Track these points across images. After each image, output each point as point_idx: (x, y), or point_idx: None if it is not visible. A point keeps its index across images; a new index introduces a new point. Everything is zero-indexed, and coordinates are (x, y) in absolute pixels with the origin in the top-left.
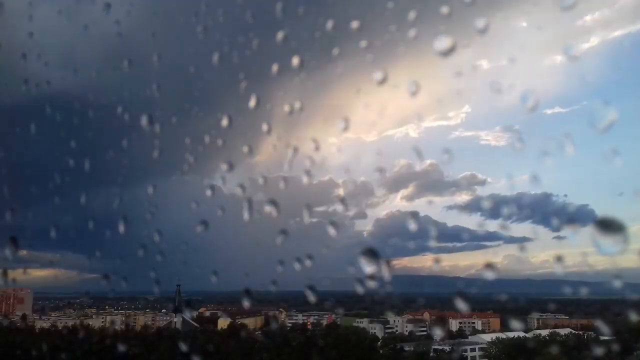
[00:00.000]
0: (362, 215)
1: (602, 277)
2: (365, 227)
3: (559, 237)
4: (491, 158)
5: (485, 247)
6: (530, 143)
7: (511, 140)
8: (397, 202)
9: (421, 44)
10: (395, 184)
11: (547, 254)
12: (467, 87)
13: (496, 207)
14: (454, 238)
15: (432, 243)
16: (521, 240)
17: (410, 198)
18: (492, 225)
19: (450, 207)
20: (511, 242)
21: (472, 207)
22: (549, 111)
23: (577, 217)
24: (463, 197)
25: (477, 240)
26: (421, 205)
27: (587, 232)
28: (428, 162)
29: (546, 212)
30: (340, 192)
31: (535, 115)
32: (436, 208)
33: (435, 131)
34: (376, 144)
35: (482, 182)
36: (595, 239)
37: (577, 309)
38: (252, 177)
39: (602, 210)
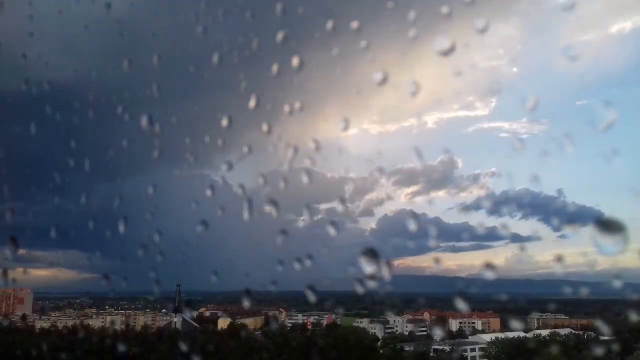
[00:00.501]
0: (369, 213)
1: (602, 277)
2: (369, 225)
3: (563, 236)
4: (507, 152)
5: (491, 246)
6: (546, 140)
7: (534, 132)
8: (404, 199)
9: (421, 44)
10: (404, 180)
11: (553, 253)
12: (498, 77)
13: (504, 206)
14: (460, 237)
15: (438, 242)
16: (528, 240)
17: (418, 195)
18: (499, 224)
19: (457, 205)
20: (518, 241)
21: (479, 205)
22: (578, 102)
23: (583, 216)
24: (471, 195)
25: (482, 239)
26: (428, 202)
27: (592, 231)
28: (439, 158)
29: (554, 211)
30: (349, 188)
31: (565, 106)
32: (443, 206)
33: (455, 122)
34: (391, 135)
35: (492, 179)
36: (595, 239)
37: (577, 309)
38: (252, 177)
39: (615, 210)
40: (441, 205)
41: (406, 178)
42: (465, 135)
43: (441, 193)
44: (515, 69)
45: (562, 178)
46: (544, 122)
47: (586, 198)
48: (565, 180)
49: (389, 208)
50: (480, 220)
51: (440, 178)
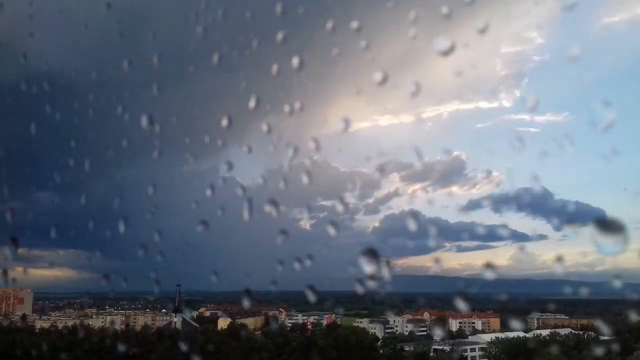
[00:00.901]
0: (375, 210)
1: (602, 277)
2: (373, 223)
3: (566, 236)
4: (520, 149)
5: (496, 246)
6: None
7: (556, 128)
8: (412, 196)
9: (421, 44)
10: (413, 176)
11: (558, 252)
12: (525, 65)
13: (512, 205)
14: (467, 237)
15: (443, 242)
16: (534, 239)
17: (426, 191)
18: (505, 223)
19: (466, 204)
20: (524, 240)
21: (487, 204)
22: (604, 94)
23: (590, 217)
24: (480, 193)
25: (488, 239)
26: (437, 199)
27: (592, 231)
28: (453, 154)
29: (563, 211)
30: (357, 184)
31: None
32: (452, 204)
33: (473, 114)
34: (405, 127)
35: (503, 177)
36: (595, 239)
37: (577, 309)
38: (252, 176)
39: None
40: (450, 203)
41: (415, 173)
42: (482, 129)
43: (451, 190)
44: (548, 56)
45: (575, 177)
46: (565, 115)
47: (600, 199)
48: (581, 180)
49: (395, 205)
50: (487, 219)
51: (451, 174)
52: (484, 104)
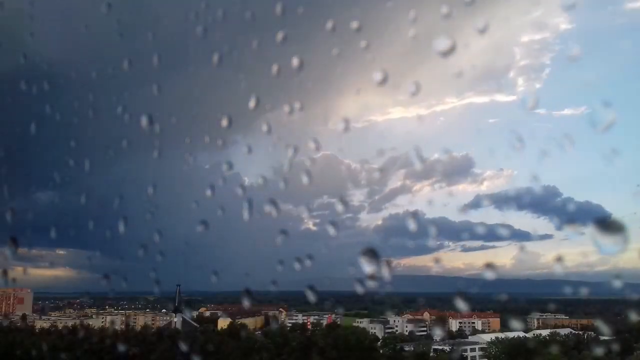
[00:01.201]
0: (379, 209)
1: (602, 277)
2: (376, 221)
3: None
4: (532, 147)
5: (500, 246)
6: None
7: (574, 123)
8: (415, 195)
9: (421, 44)
10: (419, 174)
11: (563, 252)
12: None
13: (517, 204)
14: (471, 236)
15: (448, 242)
16: (538, 239)
17: (432, 190)
18: (510, 222)
19: (470, 203)
20: (527, 240)
21: (491, 203)
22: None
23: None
24: (485, 193)
25: (492, 239)
26: (442, 199)
27: (593, 231)
28: (464, 152)
29: (570, 210)
30: (364, 180)
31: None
32: (456, 203)
33: (485, 108)
34: (416, 121)
35: (511, 175)
36: (595, 239)
37: (577, 309)
38: (252, 176)
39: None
40: (456, 201)
41: (422, 170)
42: (495, 124)
43: (458, 187)
44: (571, 44)
45: (582, 176)
46: (583, 109)
47: (608, 197)
48: (588, 178)
49: (401, 202)
50: (492, 218)
51: (458, 172)
52: (500, 97)
